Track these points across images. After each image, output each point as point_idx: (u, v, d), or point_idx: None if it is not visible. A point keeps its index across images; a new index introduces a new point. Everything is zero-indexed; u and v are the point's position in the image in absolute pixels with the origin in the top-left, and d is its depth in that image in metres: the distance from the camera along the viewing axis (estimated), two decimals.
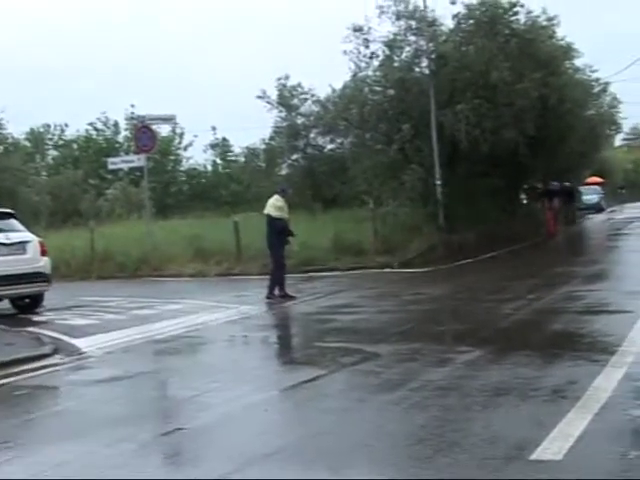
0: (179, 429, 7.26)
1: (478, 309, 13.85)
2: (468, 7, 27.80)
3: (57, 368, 10.71)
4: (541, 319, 12.14)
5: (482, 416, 6.95)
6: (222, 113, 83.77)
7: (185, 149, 52.05)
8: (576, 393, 7.34)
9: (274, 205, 16.56)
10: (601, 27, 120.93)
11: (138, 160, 26.67)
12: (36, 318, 16.10)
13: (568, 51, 30.79)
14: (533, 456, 5.71)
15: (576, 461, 5.62)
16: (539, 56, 27.32)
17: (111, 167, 32.96)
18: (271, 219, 16.51)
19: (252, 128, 54.14)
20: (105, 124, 52.82)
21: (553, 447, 5.85)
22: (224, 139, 51.49)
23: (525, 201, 37.06)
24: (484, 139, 25.42)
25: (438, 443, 6.24)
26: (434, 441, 6.30)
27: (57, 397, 9.49)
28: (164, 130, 45.45)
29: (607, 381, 7.70)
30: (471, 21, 27.72)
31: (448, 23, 28.49)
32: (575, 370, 8.42)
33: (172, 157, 51.14)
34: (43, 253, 17.08)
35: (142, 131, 26.35)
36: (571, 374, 8.19)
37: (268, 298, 16.22)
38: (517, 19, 28.08)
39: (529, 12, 28.46)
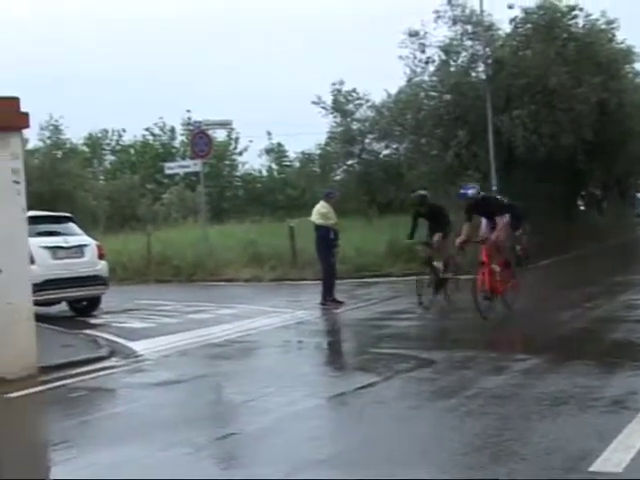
0: (233, 433, 7.25)
1: (535, 317, 13.67)
2: (526, 11, 27.57)
3: (113, 371, 10.77)
4: (599, 328, 11.96)
5: (540, 425, 6.82)
6: (277, 118, 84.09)
7: (240, 154, 52.33)
8: (637, 404, 7.20)
9: (319, 212, 16.53)
10: None
11: (194, 165, 26.88)
12: (93, 321, 16.25)
13: (628, 54, 30.27)
14: (592, 467, 5.58)
15: (638, 474, 5.48)
16: (598, 60, 26.99)
17: (168, 172, 33.28)
18: (316, 227, 16.50)
19: (307, 133, 54.25)
20: (162, 129, 53.33)
21: (614, 459, 5.72)
22: (279, 144, 51.68)
23: (582, 207, 36.57)
24: (541, 144, 25.15)
25: (495, 452, 6.14)
26: (491, 450, 6.21)
27: (113, 399, 9.53)
28: (220, 135, 45.70)
29: None
30: (528, 25, 27.48)
31: (505, 27, 28.34)
32: (636, 380, 8.27)
33: (228, 162, 51.40)
34: (101, 256, 17.24)
35: (199, 136, 26.53)
36: (631, 384, 8.04)
37: (322, 304, 16.19)
38: (576, 23, 27.82)
39: (588, 15, 28.20)
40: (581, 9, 27.83)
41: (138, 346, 12.38)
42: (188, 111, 47.30)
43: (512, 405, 7.53)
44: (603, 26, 28.40)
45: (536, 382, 8.42)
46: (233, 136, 50.40)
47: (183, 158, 43.58)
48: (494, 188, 25.41)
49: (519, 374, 8.88)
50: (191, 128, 28.34)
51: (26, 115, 10.39)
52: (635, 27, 29.86)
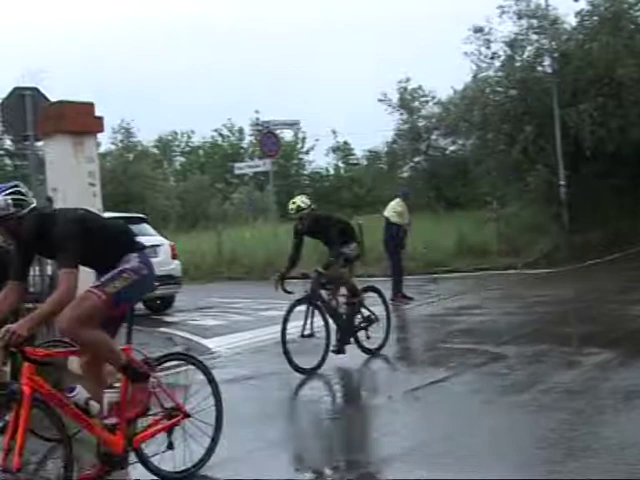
0: (307, 429, 7.41)
1: (605, 311, 13.58)
2: (592, 3, 27.25)
3: (188, 368, 10.98)
4: None
5: (614, 420, 6.86)
6: (343, 117, 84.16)
7: (307, 153, 52.70)
8: None
9: (394, 209, 16.71)
10: None
11: (264, 165, 27.22)
12: (168, 319, 16.59)
13: None
14: None
15: None
16: None
17: (237, 172, 33.70)
18: (389, 223, 16.66)
19: (373, 131, 54.40)
20: (230, 130, 53.97)
21: None
22: (345, 142, 51.89)
23: None
24: (610, 138, 24.84)
25: (568, 447, 6.20)
26: (565, 444, 6.27)
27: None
28: (287, 135, 46.12)
29: None
30: (595, 18, 27.16)
31: (570, 21, 28.00)
32: None
33: (295, 161, 51.80)
34: (174, 256, 17.58)
35: (267, 136, 26.90)
36: None
37: (392, 300, 16.28)
38: None
39: None
40: None
41: (211, 343, 12.64)
42: (256, 112, 47.82)
43: (585, 399, 7.57)
44: None
45: (609, 376, 8.44)
46: (300, 135, 50.80)
47: (251, 158, 44.10)
48: (562, 182, 25.24)
49: (592, 368, 8.90)
50: (259, 128, 28.68)
51: (101, 119, 10.68)
52: None
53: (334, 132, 50.85)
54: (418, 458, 6.29)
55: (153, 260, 15.75)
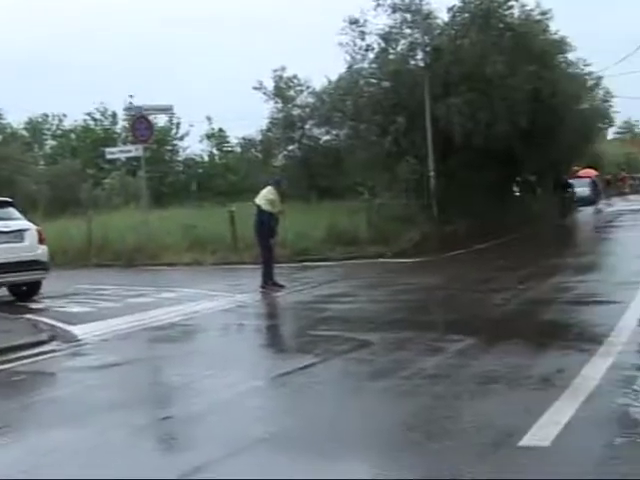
0: (173, 415, 7.39)
1: (470, 299, 14.00)
2: (463, 0, 27.94)
3: (54, 355, 10.83)
4: (531, 309, 12.30)
5: (472, 404, 7.08)
6: (218, 104, 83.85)
7: (182, 139, 52.18)
8: (564, 381, 7.47)
9: (266, 197, 16.50)
10: (595, 20, 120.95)
11: (135, 150, 26.81)
12: (33, 305, 16.21)
13: (561, 45, 30.87)
14: (521, 443, 5.83)
15: (563, 448, 5.74)
16: (533, 50, 27.47)
17: (109, 157, 33.12)
18: (260, 211, 16.51)
19: (248, 119, 54.29)
20: (103, 114, 52.95)
21: (541, 434, 5.98)
22: (220, 129, 51.65)
23: (518, 193, 37.19)
24: (477, 132, 25.56)
25: (428, 430, 6.38)
26: (424, 428, 6.44)
27: (54, 383, 9.62)
28: (161, 120, 45.56)
29: (595, 370, 7.83)
30: (466, 14, 27.87)
31: (443, 16, 28.67)
32: (564, 359, 8.56)
33: (169, 147, 51.22)
34: (41, 241, 17.19)
35: (139, 121, 26.50)
36: (560, 363, 8.33)
37: (262, 287, 16.34)
38: (511, 13, 28.28)
39: (523, 6, 28.69)
40: (516, 0, 28.33)
41: (78, 330, 12.42)
42: (130, 96, 46.99)
43: (445, 384, 7.79)
44: (538, 17, 28.92)
45: (469, 362, 8.70)
46: (174, 121, 50.27)
47: (124, 143, 43.33)
48: (431, 174, 25.80)
49: (454, 354, 9.16)
50: (132, 113, 28.15)
51: None
52: (568, 18, 30.45)
53: (209, 119, 50.60)
54: (282, 443, 6.36)
55: (19, 245, 15.45)
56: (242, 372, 8.98)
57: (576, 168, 47.42)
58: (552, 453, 5.65)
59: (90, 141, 51.57)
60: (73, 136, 53.98)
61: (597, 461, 5.47)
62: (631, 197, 59.91)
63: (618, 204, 50.47)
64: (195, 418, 7.23)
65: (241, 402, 7.71)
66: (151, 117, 28.00)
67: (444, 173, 25.82)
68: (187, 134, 51.76)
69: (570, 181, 43.70)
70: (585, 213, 42.74)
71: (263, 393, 8.21)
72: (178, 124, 50.92)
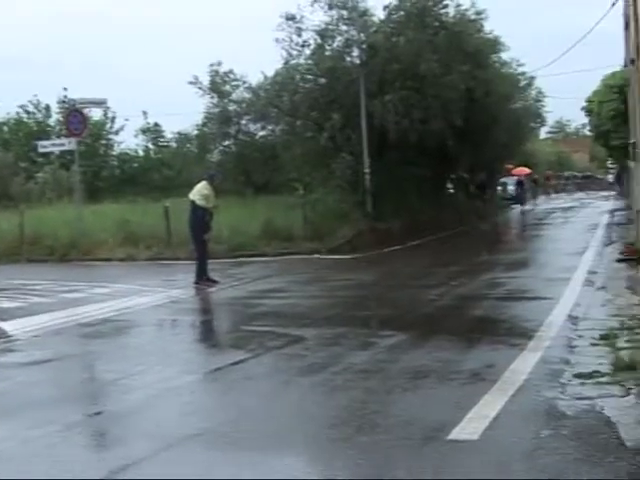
0: (104, 411, 7.35)
1: (403, 295, 14.15)
2: None
3: None
4: (463, 305, 12.49)
5: (402, 398, 7.18)
6: (154, 98, 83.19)
7: (117, 133, 51.55)
8: (494, 376, 7.62)
9: (200, 192, 16.37)
10: (529, 22, 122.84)
11: (69, 144, 26.44)
12: None
13: (495, 45, 31.33)
14: (450, 436, 5.94)
15: (491, 441, 5.86)
16: (467, 49, 27.76)
17: (41, 150, 32.61)
18: (195, 206, 16.40)
19: (185, 114, 53.89)
20: (36, 107, 52.06)
21: (469, 427, 6.10)
22: (156, 124, 51.09)
23: (452, 190, 37.58)
24: (412, 129, 25.76)
25: (359, 424, 6.43)
26: (355, 422, 6.50)
27: None
28: (96, 114, 44.95)
29: (524, 364, 8.01)
30: (401, 12, 28.05)
31: (379, 14, 28.82)
32: (494, 354, 8.73)
33: (104, 141, 50.57)
34: None
35: (73, 115, 26.16)
36: (490, 358, 8.50)
37: (196, 283, 16.28)
38: (446, 12, 28.51)
39: (458, 5, 28.94)
40: None
41: (9, 326, 12.22)
42: (65, 89, 46.33)
43: (377, 379, 7.88)
44: (472, 16, 29.23)
45: (401, 357, 8.81)
46: (109, 115, 49.65)
47: (58, 137, 42.64)
48: (366, 170, 25.94)
49: (385, 350, 9.26)
50: (66, 106, 27.75)
51: None
52: (503, 18, 30.89)
53: (145, 113, 50.06)
54: (213, 438, 6.37)
55: None
56: (174, 368, 8.94)
57: (509, 166, 48.08)
58: (480, 446, 5.76)
59: (23, 134, 50.67)
60: (5, 129, 53.03)
61: (523, 453, 5.58)
62: (564, 195, 61.20)
63: (550, 202, 51.36)
64: (126, 414, 7.20)
65: (173, 397, 7.70)
66: (86, 111, 27.65)
67: (379, 170, 25.96)
68: (122, 128, 51.15)
69: (502, 180, 44.37)
70: (517, 211, 43.39)
71: (195, 388, 8.19)
72: (113, 118, 50.23)
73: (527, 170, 57.45)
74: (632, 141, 14.88)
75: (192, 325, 12.72)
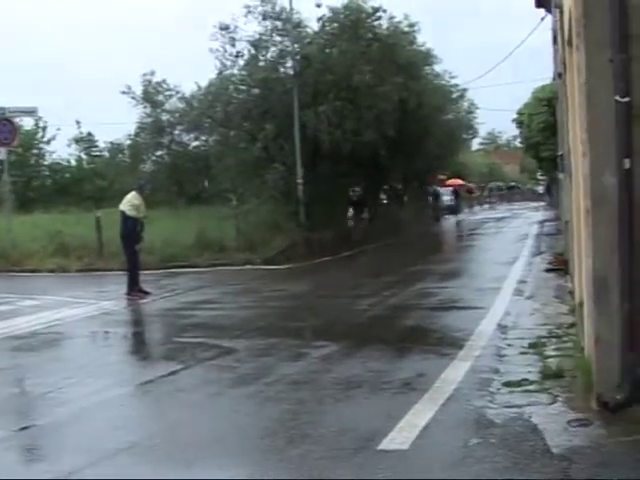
0: (33, 425, 7.23)
1: (335, 305, 14.20)
2: (333, 10, 28.33)
3: None
4: (395, 315, 12.57)
5: (334, 409, 7.20)
6: (87, 107, 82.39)
7: (48, 143, 50.86)
8: (424, 385, 7.69)
9: (131, 203, 16.23)
10: (463, 35, 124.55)
11: None
12: None
13: (428, 57, 31.77)
14: (380, 446, 5.98)
15: (421, 450, 5.92)
16: (400, 61, 28.07)
17: None
18: (125, 217, 16.25)
19: (118, 123, 53.35)
20: None
21: (400, 437, 6.14)
22: (89, 134, 50.57)
23: (385, 201, 37.85)
24: (345, 140, 25.93)
25: (290, 435, 6.44)
26: (286, 433, 6.50)
27: None
28: (27, 123, 44.33)
29: (454, 374, 8.10)
30: (335, 24, 28.25)
31: (313, 25, 28.98)
32: (425, 363, 8.80)
33: (35, 151, 49.86)
34: None
35: (2, 124, 25.71)
36: (421, 367, 8.57)
37: (128, 294, 16.13)
38: (380, 24, 28.81)
39: (391, 17, 29.27)
40: (385, 11, 28.89)
41: None
42: None
43: (308, 390, 7.89)
44: (405, 29, 29.60)
45: (332, 367, 8.83)
46: (41, 124, 48.98)
47: None
48: (299, 181, 25.99)
49: (317, 360, 9.28)
50: None
51: None
52: (435, 31, 31.29)
53: (78, 122, 49.49)
54: (144, 451, 6.32)
55: None
56: (105, 380, 8.85)
57: (442, 177, 48.60)
58: (410, 456, 5.81)
59: None
60: None
61: (452, 462, 5.64)
62: (497, 206, 62.00)
63: (483, 212, 52.04)
64: (56, 428, 7.11)
65: (103, 410, 7.62)
66: (16, 120, 27.21)
67: (312, 180, 26.05)
68: (54, 138, 50.51)
69: (436, 190, 44.84)
70: (451, 221, 43.84)
71: (126, 401, 8.12)
72: (45, 127, 49.62)
73: (460, 181, 58.12)
74: (560, 153, 15.13)
75: (123, 337, 12.58)
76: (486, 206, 64.87)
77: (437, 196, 44.46)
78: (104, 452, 6.26)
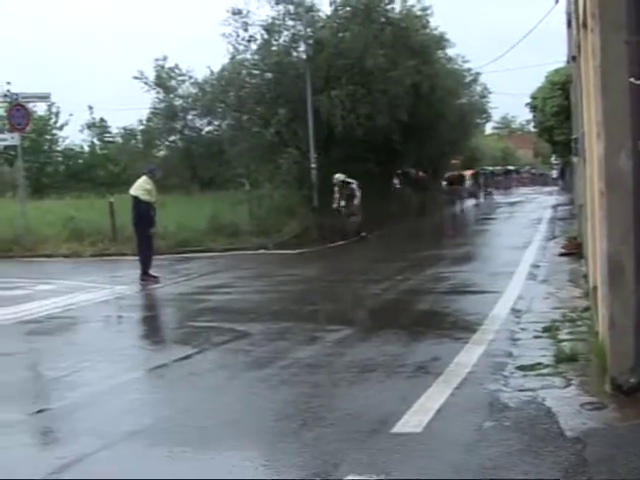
0: (48, 409, 7.27)
1: (349, 289, 14.22)
2: None
3: None
4: (408, 299, 12.57)
5: (348, 392, 7.22)
6: (100, 93, 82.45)
7: (61, 128, 50.91)
8: (438, 369, 7.69)
9: (143, 187, 16.21)
10: (476, 19, 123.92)
11: (12, 139, 26.02)
12: None
13: (440, 41, 31.59)
14: (394, 429, 5.99)
15: (434, 433, 5.92)
16: (413, 45, 27.96)
17: None
18: (138, 201, 16.20)
19: (131, 109, 53.39)
20: None
21: (413, 420, 6.15)
22: (102, 119, 50.58)
23: (398, 185, 37.76)
24: (359, 124, 25.87)
25: (304, 418, 6.46)
26: (301, 416, 6.52)
27: None
28: (40, 109, 44.37)
29: (468, 357, 8.10)
30: (348, 8, 28.13)
31: (326, 9, 28.89)
32: (438, 347, 8.80)
33: (48, 137, 49.93)
34: None
35: (16, 109, 25.75)
36: (435, 351, 8.58)
37: (142, 279, 16.16)
38: (392, 7, 28.71)
39: (404, 1, 29.13)
40: None
41: None
42: (8, 83, 45.63)
43: (323, 373, 7.90)
44: (418, 12, 29.46)
45: (347, 351, 8.85)
46: (54, 110, 49.03)
47: (1, 132, 42.06)
48: (313, 166, 25.97)
49: (332, 344, 9.29)
50: (8, 100, 27.27)
51: None
52: (448, 14, 31.15)
53: (90, 108, 49.52)
54: (158, 435, 6.33)
55: None
56: (119, 364, 8.89)
57: (454, 162, 48.41)
58: (424, 439, 5.80)
59: None
60: None
61: (466, 445, 5.64)
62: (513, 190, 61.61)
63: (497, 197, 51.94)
64: (70, 411, 7.14)
65: (118, 394, 7.65)
66: (29, 105, 27.25)
67: (325, 165, 26.01)
68: (67, 123, 50.55)
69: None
70: (465, 206, 43.67)
71: (140, 385, 8.16)
72: (57, 113, 49.62)
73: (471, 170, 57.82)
74: (574, 137, 15.07)
75: (137, 321, 12.64)
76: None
77: (462, 180, 44.47)
78: (119, 435, 6.30)
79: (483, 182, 53.79)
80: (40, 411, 7.20)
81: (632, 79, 6.08)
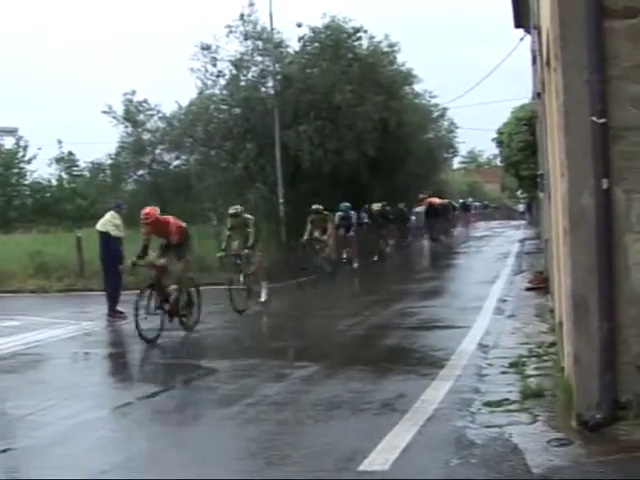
0: (11, 448, 7.17)
1: (316, 325, 14.18)
2: (313, 30, 28.46)
3: None
4: (376, 334, 12.56)
5: (314, 429, 7.19)
6: (68, 127, 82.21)
7: (29, 162, 50.69)
8: (405, 406, 7.68)
9: (112, 223, 16.10)
10: (443, 55, 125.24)
11: None
12: None
13: (408, 76, 31.90)
14: (361, 467, 5.96)
15: (401, 471, 5.90)
16: (380, 80, 28.24)
17: None
18: (108, 237, 16.09)
19: (99, 143, 53.22)
20: None
21: (380, 458, 6.13)
22: (70, 153, 50.39)
23: (366, 220, 37.79)
24: (326, 159, 26.03)
25: (270, 456, 6.42)
26: (266, 454, 6.48)
27: None
28: (8, 143, 44.24)
29: (435, 394, 8.10)
30: (316, 44, 28.39)
31: (294, 45, 29.12)
32: (405, 384, 8.80)
33: (16, 170, 49.69)
34: None
35: None
36: (401, 387, 8.57)
37: (109, 315, 16.03)
38: (360, 44, 28.99)
39: (372, 37, 29.45)
40: (365, 31, 29.08)
41: None
42: None
43: (289, 411, 7.86)
44: (386, 49, 29.76)
45: (313, 388, 8.82)
46: (22, 144, 48.85)
47: None
48: (281, 200, 26.01)
49: (298, 381, 9.26)
50: None
51: None
52: (415, 50, 31.48)
53: (59, 142, 49.36)
54: (124, 474, 6.27)
55: None
56: (85, 402, 8.79)
57: (422, 196, 48.52)
58: (390, 476, 5.79)
59: None
60: None
61: None
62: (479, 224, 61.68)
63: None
64: (36, 450, 7.05)
65: (83, 433, 7.57)
66: None
67: (293, 199, 26.06)
68: (35, 157, 50.37)
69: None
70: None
71: (106, 423, 8.06)
72: (26, 147, 49.49)
73: (439, 200, 57.77)
74: (540, 172, 15.23)
75: (104, 358, 12.50)
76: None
77: (436, 213, 42.42)
78: (84, 475, 6.22)
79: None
80: (4, 450, 7.10)
81: (594, 118, 6.17)
